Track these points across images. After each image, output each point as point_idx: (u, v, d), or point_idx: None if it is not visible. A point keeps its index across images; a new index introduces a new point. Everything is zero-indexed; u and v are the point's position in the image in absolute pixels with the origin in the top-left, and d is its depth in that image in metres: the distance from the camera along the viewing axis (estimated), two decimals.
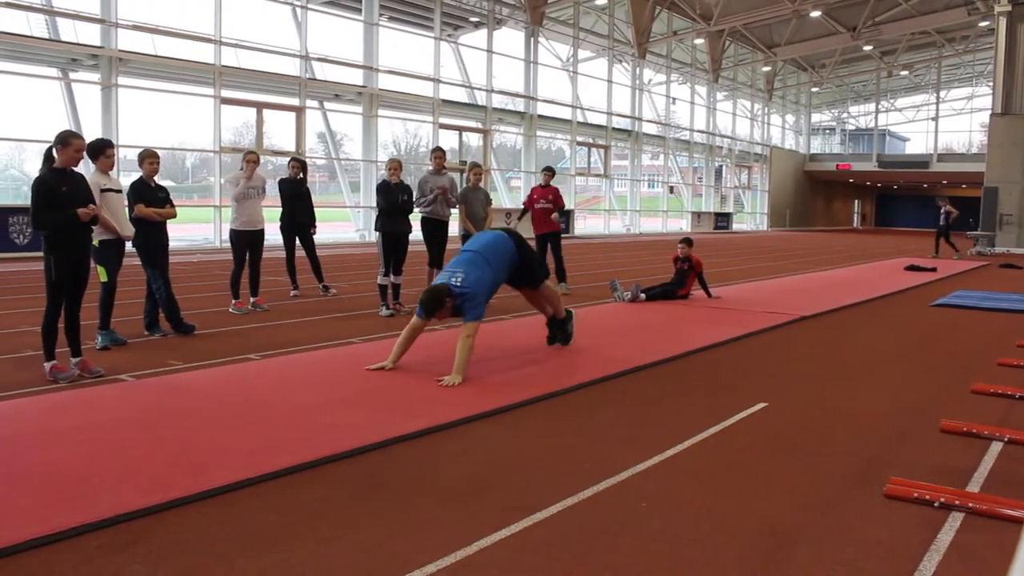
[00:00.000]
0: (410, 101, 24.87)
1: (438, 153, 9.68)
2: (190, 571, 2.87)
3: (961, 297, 11.71)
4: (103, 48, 17.60)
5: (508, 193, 30.06)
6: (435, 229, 9.54)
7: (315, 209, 10.76)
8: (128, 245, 6.82)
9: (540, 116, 29.40)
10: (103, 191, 6.41)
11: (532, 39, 28.85)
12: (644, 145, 35.64)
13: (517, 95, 28.86)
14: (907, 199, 60.58)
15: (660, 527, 3.34)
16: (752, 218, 45.98)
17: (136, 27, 18.15)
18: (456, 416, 4.79)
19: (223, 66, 19.65)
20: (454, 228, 10.12)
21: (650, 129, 36.00)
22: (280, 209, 10.53)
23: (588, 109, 31.99)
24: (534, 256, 6.77)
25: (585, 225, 32.90)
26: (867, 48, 41.99)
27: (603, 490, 3.72)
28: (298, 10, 21.40)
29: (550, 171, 11.85)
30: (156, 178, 7.39)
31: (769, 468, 4.11)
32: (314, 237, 10.69)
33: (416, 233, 9.34)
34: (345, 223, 24.80)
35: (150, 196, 7.25)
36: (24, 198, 17.77)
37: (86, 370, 5.68)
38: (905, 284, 13.66)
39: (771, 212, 46.48)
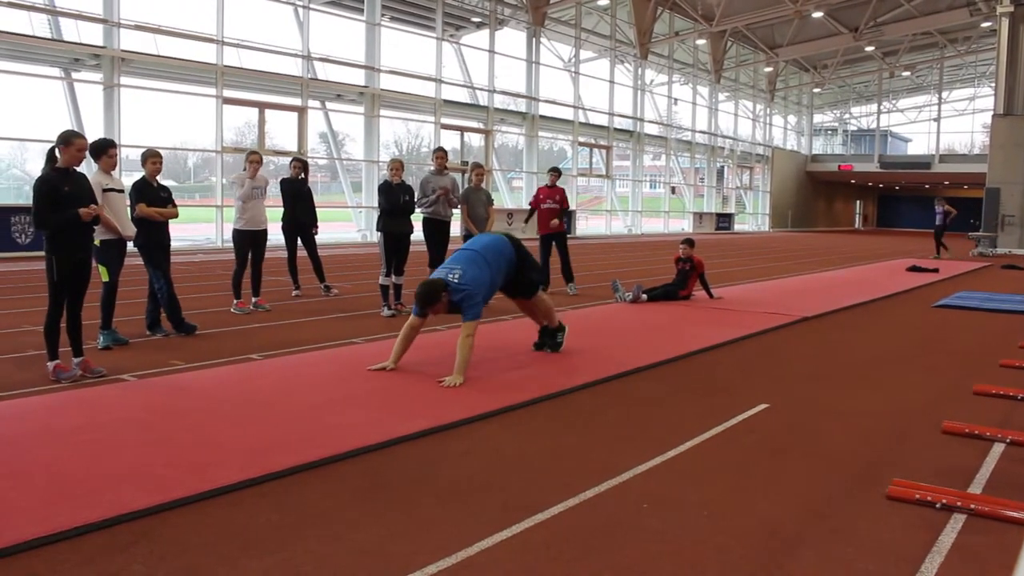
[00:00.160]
0: (412, 101, 24.87)
1: (440, 153, 9.68)
2: (192, 571, 2.88)
3: (963, 298, 11.69)
4: (105, 48, 17.62)
5: (510, 193, 30.05)
6: (437, 229, 9.54)
7: (317, 209, 10.77)
8: (130, 245, 6.83)
9: (542, 116, 29.39)
10: (105, 191, 6.41)
11: (534, 39, 28.85)
12: (646, 146, 35.62)
13: (519, 95, 28.86)
14: (909, 200, 60.54)
15: (661, 528, 3.34)
16: (754, 219, 45.95)
17: (138, 27, 18.16)
18: (457, 417, 4.79)
19: (225, 66, 19.66)
20: (456, 229, 10.12)
21: (652, 130, 35.98)
22: (282, 209, 10.54)
23: (590, 110, 31.99)
24: (533, 264, 6.73)
25: (587, 226, 32.89)
26: (869, 49, 41.98)
27: (604, 491, 3.72)
28: (300, 10, 21.40)
29: (556, 172, 11.85)
30: (158, 178, 7.40)
31: (770, 469, 4.11)
32: (316, 237, 10.70)
33: (418, 233, 9.34)
34: (347, 223, 24.81)
35: (152, 196, 7.25)
36: (26, 198, 17.77)
37: (88, 370, 5.68)
38: (907, 285, 13.65)
39: (773, 213, 46.45)
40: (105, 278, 6.60)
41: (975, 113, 50.34)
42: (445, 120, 25.67)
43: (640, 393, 5.64)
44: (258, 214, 8.90)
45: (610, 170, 33.27)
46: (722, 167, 43.30)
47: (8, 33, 16.17)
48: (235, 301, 8.80)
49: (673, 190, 38.78)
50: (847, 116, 57.09)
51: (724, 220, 40.56)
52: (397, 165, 8.85)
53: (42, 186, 5.40)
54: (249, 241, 8.82)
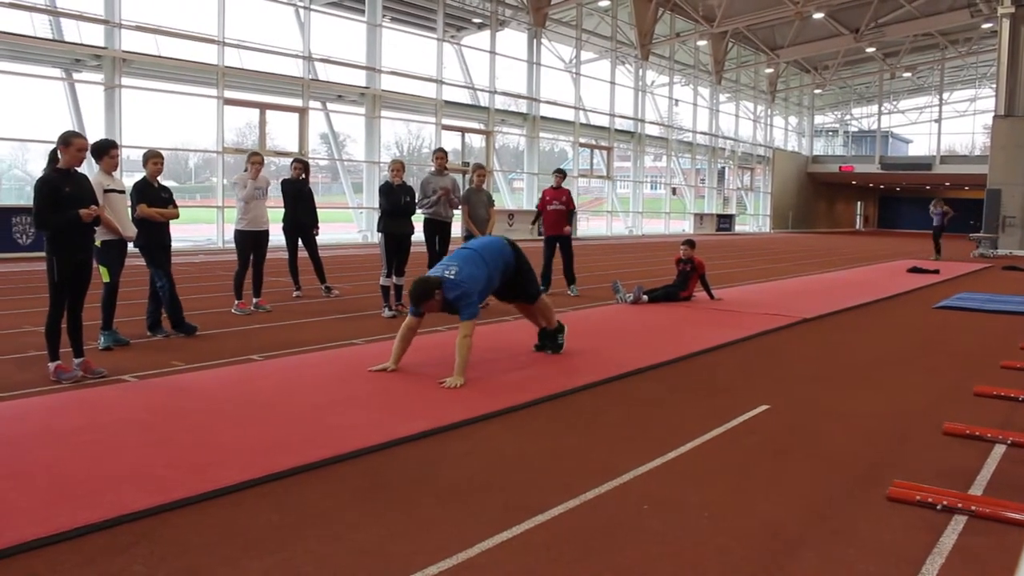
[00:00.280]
0: (413, 102, 24.88)
1: (439, 154, 9.68)
2: (192, 571, 2.88)
3: (964, 299, 11.69)
4: (106, 49, 17.63)
5: (511, 194, 30.06)
6: (438, 230, 9.55)
7: (318, 210, 10.78)
8: (130, 246, 6.83)
9: (543, 117, 29.40)
10: (106, 191, 6.42)
11: (535, 40, 28.86)
12: (647, 147, 35.62)
13: (520, 96, 28.87)
14: (910, 201, 60.50)
15: (662, 529, 3.34)
16: (755, 220, 45.95)
17: (139, 28, 18.18)
18: (458, 418, 4.79)
19: (226, 67, 19.68)
20: (456, 230, 10.12)
21: (653, 131, 35.98)
22: (283, 210, 10.54)
23: (591, 111, 31.99)
24: (531, 271, 6.70)
25: (588, 226, 32.89)
26: (870, 50, 41.98)
27: (605, 492, 3.72)
28: (301, 11, 21.42)
29: (561, 173, 11.85)
30: (159, 178, 7.40)
31: (771, 470, 4.11)
32: (317, 238, 10.71)
33: (418, 234, 9.35)
34: (348, 224, 24.82)
35: (153, 196, 7.26)
36: (27, 198, 17.77)
37: (89, 371, 5.68)
38: (908, 286, 13.64)
39: (774, 214, 46.44)
40: (106, 279, 6.60)
41: (976, 114, 50.35)
42: (446, 121, 25.68)
43: (641, 394, 5.64)
44: (260, 215, 8.91)
45: (611, 171, 33.28)
46: (723, 168, 43.30)
47: (9, 34, 16.19)
48: (236, 302, 8.81)
49: (674, 191, 38.77)
50: (848, 117, 57.09)
51: (725, 221, 40.55)
52: (398, 166, 8.86)
53: (43, 187, 5.41)
54: (251, 242, 8.83)
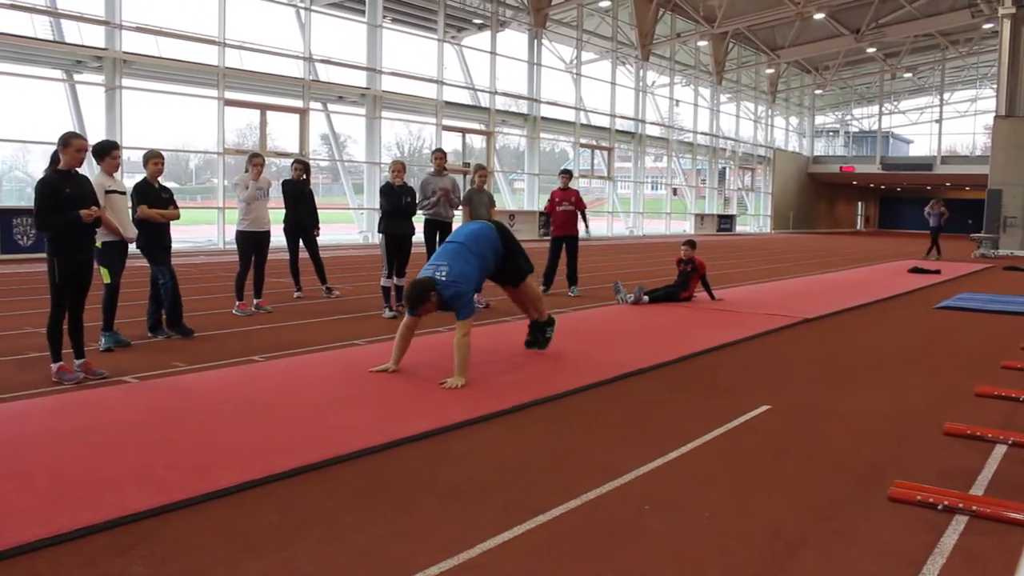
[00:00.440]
0: (413, 103, 24.88)
1: (438, 154, 9.67)
2: (193, 572, 2.88)
3: (965, 299, 11.68)
4: (107, 50, 17.64)
5: (511, 195, 30.07)
6: (439, 230, 9.55)
7: (318, 211, 10.78)
8: (131, 247, 6.83)
9: (543, 118, 29.41)
10: (107, 193, 6.41)
11: (535, 41, 28.87)
12: (647, 147, 35.62)
13: (520, 97, 28.88)
14: (911, 201, 60.45)
15: (663, 529, 3.34)
16: (755, 220, 45.94)
17: (140, 29, 18.18)
18: (459, 418, 4.79)
19: (227, 68, 19.68)
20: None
21: (653, 131, 35.97)
22: (283, 211, 10.55)
23: (591, 111, 31.99)
24: (520, 250, 6.60)
25: (589, 227, 32.87)
26: (871, 50, 41.96)
27: (606, 492, 3.72)
28: (302, 12, 21.43)
29: (568, 173, 11.85)
30: (160, 179, 7.41)
31: (772, 471, 4.11)
32: (317, 239, 10.71)
33: (419, 235, 9.34)
34: (348, 225, 24.82)
35: (154, 197, 7.26)
36: (28, 200, 17.80)
37: (90, 372, 5.68)
38: (909, 286, 13.64)
39: (774, 214, 46.43)
40: (107, 280, 6.61)
41: (977, 115, 50.29)
42: (447, 122, 25.68)
43: (641, 394, 5.64)
44: (262, 215, 8.91)
45: (612, 171, 33.28)
46: (724, 169, 43.29)
47: (10, 35, 16.20)
48: (237, 303, 8.81)
49: (675, 192, 38.76)
50: (849, 118, 57.07)
51: (726, 222, 40.54)
52: (399, 167, 8.86)
53: (43, 188, 5.41)
54: (253, 242, 8.83)
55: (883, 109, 50.20)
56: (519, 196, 30.32)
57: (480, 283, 6.30)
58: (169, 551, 3.03)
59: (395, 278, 8.84)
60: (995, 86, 30.77)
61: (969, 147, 51.70)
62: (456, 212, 9.80)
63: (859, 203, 61.96)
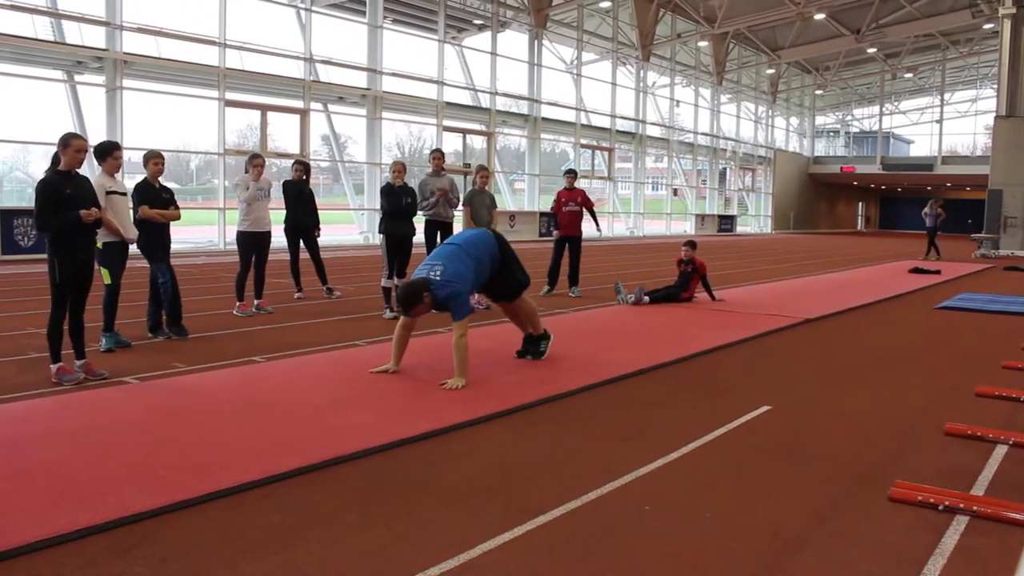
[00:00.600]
0: (414, 104, 24.89)
1: (436, 155, 9.66)
2: (193, 573, 2.88)
3: (965, 300, 11.68)
4: (108, 51, 17.65)
5: (512, 196, 30.07)
6: (439, 230, 9.55)
7: (319, 211, 10.78)
8: (132, 247, 6.83)
9: (544, 119, 29.42)
10: (108, 193, 6.42)
11: (536, 41, 28.87)
12: (648, 147, 35.63)
13: (521, 98, 28.88)
14: (911, 202, 60.43)
15: (663, 530, 3.34)
16: (756, 220, 45.94)
17: (141, 30, 18.20)
18: (459, 419, 4.79)
19: (227, 68, 19.70)
20: (458, 230, 10.10)
21: (654, 132, 35.98)
22: (284, 211, 10.55)
23: (592, 112, 32.00)
24: (517, 261, 6.54)
25: (589, 228, 32.88)
26: (871, 51, 41.96)
27: (606, 493, 3.72)
28: (302, 13, 21.44)
29: (573, 173, 11.84)
30: (161, 179, 7.41)
31: (773, 471, 4.11)
32: (318, 239, 10.71)
33: (420, 235, 9.34)
34: (349, 225, 24.83)
35: (154, 197, 7.26)
36: (29, 200, 17.81)
37: (90, 372, 5.69)
38: (909, 287, 13.64)
39: (775, 215, 46.44)
40: (107, 280, 6.61)
41: (977, 115, 50.28)
42: (447, 122, 25.69)
43: (642, 395, 5.64)
44: (262, 216, 8.91)
45: (612, 172, 33.28)
46: (724, 169, 43.30)
47: (11, 36, 16.21)
48: (238, 303, 8.81)
49: (675, 192, 38.76)
50: (849, 118, 57.08)
51: (726, 222, 40.55)
52: (399, 167, 8.86)
53: (44, 188, 5.42)
54: (253, 243, 8.83)
55: (884, 109, 50.21)
56: (519, 197, 30.32)
57: (475, 285, 6.26)
58: (170, 551, 3.03)
59: (396, 279, 8.84)
60: (995, 86, 30.77)
61: (970, 147, 51.73)
62: (456, 212, 9.79)
63: (860, 203, 61.95)
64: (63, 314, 5.58)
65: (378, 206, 9.66)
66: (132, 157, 17.19)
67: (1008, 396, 5.68)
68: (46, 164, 5.60)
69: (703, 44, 37.26)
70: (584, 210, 11.57)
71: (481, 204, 9.91)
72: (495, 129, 27.53)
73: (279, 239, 10.04)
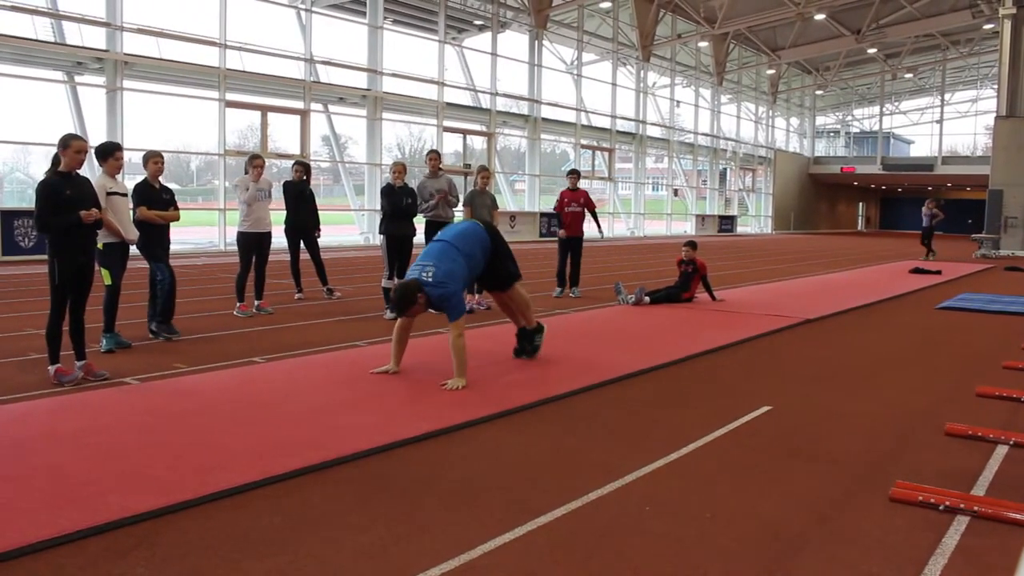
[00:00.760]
0: (414, 104, 24.90)
1: (432, 156, 9.63)
2: (194, 574, 2.88)
3: (966, 300, 11.68)
4: (108, 51, 17.66)
5: (512, 196, 30.07)
6: (439, 231, 9.52)
7: (319, 212, 10.78)
8: (132, 248, 6.83)
9: (544, 119, 29.43)
10: (109, 194, 6.42)
11: (536, 42, 28.88)
12: (648, 148, 35.64)
13: (521, 98, 28.89)
14: (912, 202, 60.44)
15: (664, 530, 3.34)
16: (756, 221, 45.94)
17: (141, 30, 18.21)
18: (460, 419, 4.79)
19: (228, 69, 19.70)
20: None
21: (654, 132, 36.00)
22: (284, 212, 10.55)
23: (592, 112, 32.02)
24: (509, 253, 6.51)
25: (589, 228, 32.87)
26: (871, 51, 41.98)
27: (607, 493, 3.72)
28: (302, 13, 21.45)
29: (576, 174, 11.83)
30: (161, 179, 7.40)
31: (773, 471, 4.11)
32: (318, 240, 10.71)
33: (420, 236, 9.33)
34: (349, 226, 24.84)
35: (154, 198, 7.26)
36: (29, 201, 17.82)
37: (91, 373, 5.69)
38: (910, 287, 13.63)
39: (775, 215, 46.44)
40: (107, 281, 6.61)
41: (978, 115, 50.30)
42: (447, 123, 25.70)
43: (642, 396, 5.64)
44: (263, 217, 8.92)
45: (612, 172, 33.29)
46: (724, 169, 43.30)
47: (11, 37, 16.22)
48: (238, 304, 8.81)
49: (676, 192, 38.77)
50: (849, 118, 57.10)
51: (726, 222, 40.55)
52: (400, 168, 8.87)
53: (44, 189, 5.42)
54: (254, 243, 8.84)
55: (884, 110, 50.23)
56: (520, 197, 30.33)
57: (469, 282, 6.23)
58: (170, 552, 3.03)
59: (396, 279, 8.84)
60: (996, 86, 30.77)
61: (970, 147, 51.71)
62: (457, 212, 9.78)
63: (860, 204, 61.96)
64: (62, 315, 5.58)
65: (378, 207, 9.66)
66: (132, 158, 17.22)
67: (1008, 396, 5.68)
68: (46, 165, 5.60)
69: (703, 44, 37.27)
70: (585, 211, 11.55)
71: (481, 204, 9.90)
72: (495, 130, 27.53)
73: (279, 240, 10.04)
